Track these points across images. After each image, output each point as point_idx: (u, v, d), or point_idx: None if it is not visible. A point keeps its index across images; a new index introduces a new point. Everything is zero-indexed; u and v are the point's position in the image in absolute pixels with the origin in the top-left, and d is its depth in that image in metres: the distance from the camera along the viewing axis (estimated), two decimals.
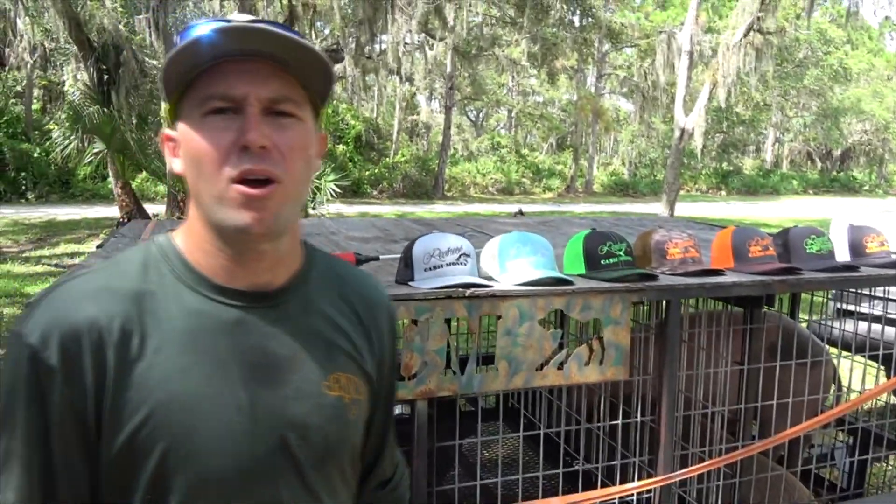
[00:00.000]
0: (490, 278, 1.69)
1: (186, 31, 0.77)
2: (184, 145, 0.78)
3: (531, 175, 29.01)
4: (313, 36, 14.02)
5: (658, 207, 17.39)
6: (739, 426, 1.98)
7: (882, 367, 3.23)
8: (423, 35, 15.62)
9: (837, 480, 2.83)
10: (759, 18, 13.56)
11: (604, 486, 1.97)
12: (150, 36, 12.32)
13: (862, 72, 34.05)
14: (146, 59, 12.31)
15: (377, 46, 14.41)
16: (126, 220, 10.90)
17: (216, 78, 0.75)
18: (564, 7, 18.11)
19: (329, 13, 12.35)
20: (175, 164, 0.81)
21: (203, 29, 0.75)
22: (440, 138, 25.40)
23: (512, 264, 1.70)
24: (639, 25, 21.43)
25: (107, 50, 11.40)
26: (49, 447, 0.73)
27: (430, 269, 1.60)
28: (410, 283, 1.59)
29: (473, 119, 37.49)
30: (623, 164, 32.56)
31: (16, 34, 18.51)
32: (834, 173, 38.02)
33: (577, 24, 19.64)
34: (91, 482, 0.76)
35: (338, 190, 13.96)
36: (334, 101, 23.72)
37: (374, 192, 24.00)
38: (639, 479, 1.97)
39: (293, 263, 0.86)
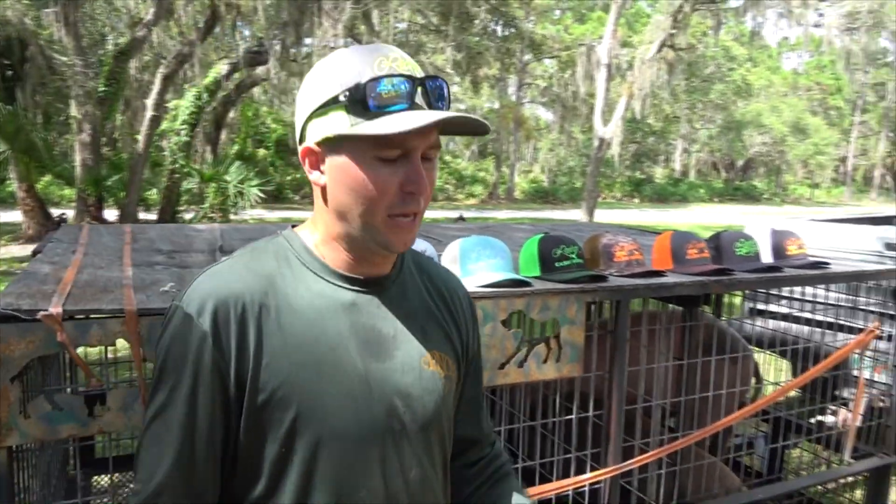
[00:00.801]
0: None
1: (374, 86, 0.84)
2: (345, 174, 0.87)
3: (454, 182, 29.34)
4: (235, 37, 13.69)
5: (577, 214, 17.99)
6: (680, 418, 2.11)
7: (789, 361, 3.50)
8: (349, 39, 15.53)
9: (757, 467, 3.05)
10: (671, 35, 14.30)
11: (545, 481, 2.05)
12: (60, 31, 11.68)
13: (762, 87, 36.45)
14: (55, 55, 11.65)
15: (303, 49, 14.21)
16: (57, 225, 10.29)
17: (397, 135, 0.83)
18: (488, 17, 18.44)
19: (252, 14, 12.10)
20: (316, 177, 0.91)
21: (395, 98, 0.84)
22: None
23: (474, 267, 1.76)
24: (559, 37, 22.10)
25: (11, 44, 10.73)
26: (196, 402, 0.85)
27: None
28: None
29: None
30: (543, 171, 33.43)
31: None
32: (737, 182, 40.41)
33: (500, 33, 20.04)
34: (226, 437, 0.87)
35: (262, 195, 13.69)
36: (255, 105, 23.21)
37: (297, 198, 23.62)
38: (581, 473, 2.07)
39: (395, 257, 0.99)
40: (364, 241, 0.90)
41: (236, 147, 21.60)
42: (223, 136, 18.13)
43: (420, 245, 1.69)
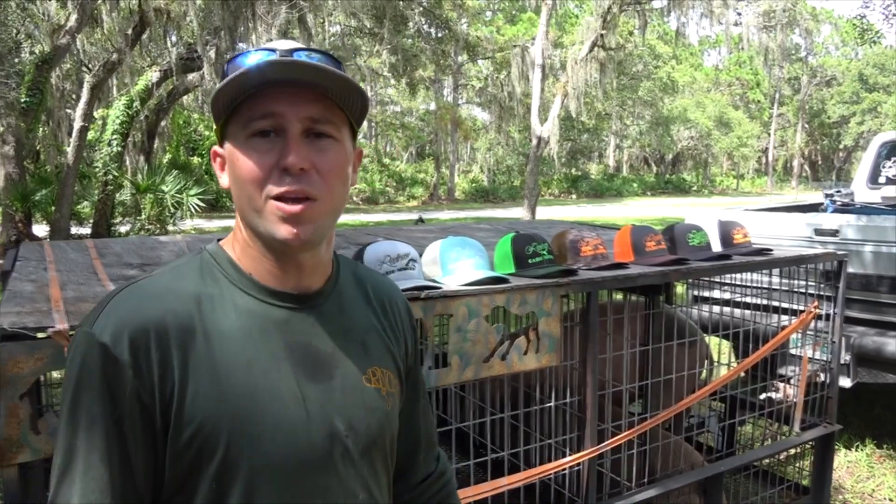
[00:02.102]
0: (434, 281, 1.82)
1: (235, 61, 0.84)
2: (230, 164, 0.84)
3: (394, 184, 29.35)
4: (168, 44, 13.34)
5: (519, 212, 18.30)
6: (647, 401, 2.25)
7: (731, 343, 3.72)
8: None
9: (711, 443, 3.24)
10: (601, 35, 14.75)
11: (515, 471, 2.15)
12: None
13: (686, 84, 37.90)
14: None
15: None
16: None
17: (260, 101, 0.80)
18: (422, 19, 18.56)
19: (183, 20, 11.82)
20: (223, 180, 0.88)
21: (252, 59, 0.82)
22: None
23: (454, 266, 1.83)
24: (493, 39, 22.44)
25: None
26: (123, 438, 0.76)
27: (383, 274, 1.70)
28: None
29: None
30: (482, 171, 33.81)
31: None
32: (667, 176, 41.89)
33: (434, 35, 20.20)
34: (155, 473, 0.79)
35: (201, 205, 13.38)
36: (185, 112, 22.63)
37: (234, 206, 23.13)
38: (555, 459, 2.18)
39: (328, 268, 0.93)
40: (264, 238, 0.84)
41: (169, 156, 21.00)
42: (156, 145, 17.59)
43: (405, 248, 1.76)
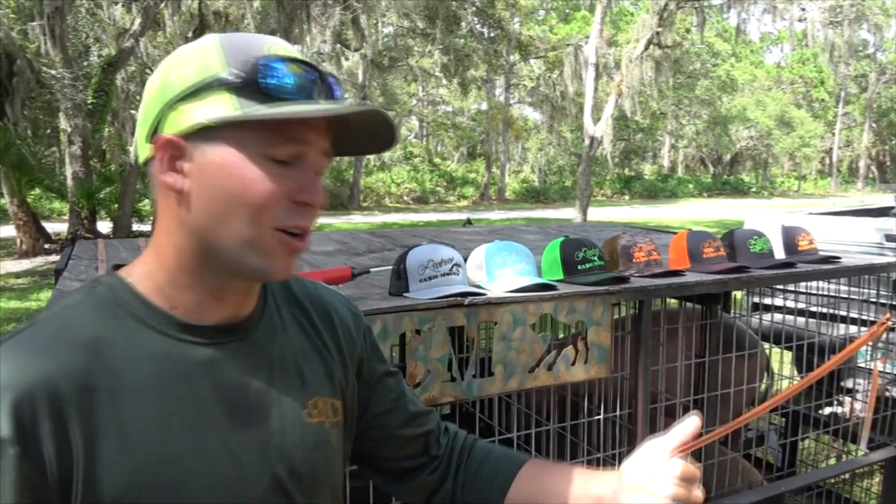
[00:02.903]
0: (479, 287, 1.76)
1: (273, 68, 0.69)
2: (221, 176, 0.68)
3: (445, 184, 29.38)
4: None
5: (570, 213, 18.07)
6: (703, 415, 2.13)
7: (794, 354, 3.54)
8: (338, 45, 15.54)
9: (772, 461, 3.08)
10: (657, 33, 14.41)
11: None
12: (46, 44, 11.61)
13: (746, 82, 36.77)
14: (42, 68, 11.59)
15: None
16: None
17: (292, 126, 0.69)
18: (474, 19, 18.52)
19: (241, 23, 12.08)
20: (174, 180, 0.70)
21: (289, 72, 0.69)
22: None
23: (500, 272, 1.77)
24: (545, 38, 22.22)
25: None
26: None
27: (426, 279, 1.65)
28: (406, 294, 1.64)
29: None
30: (533, 171, 33.54)
31: None
32: (725, 177, 40.72)
33: (486, 35, 20.13)
34: None
35: None
36: None
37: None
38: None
39: (257, 291, 0.81)
40: (238, 266, 0.71)
41: None
42: None
43: (449, 252, 1.71)
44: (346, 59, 15.74)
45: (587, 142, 14.79)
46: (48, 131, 15.06)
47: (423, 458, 0.96)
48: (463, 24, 18.02)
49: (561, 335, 1.89)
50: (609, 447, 2.09)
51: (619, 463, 1.97)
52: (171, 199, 0.71)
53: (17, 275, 10.01)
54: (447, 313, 1.58)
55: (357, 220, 19.40)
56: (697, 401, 2.31)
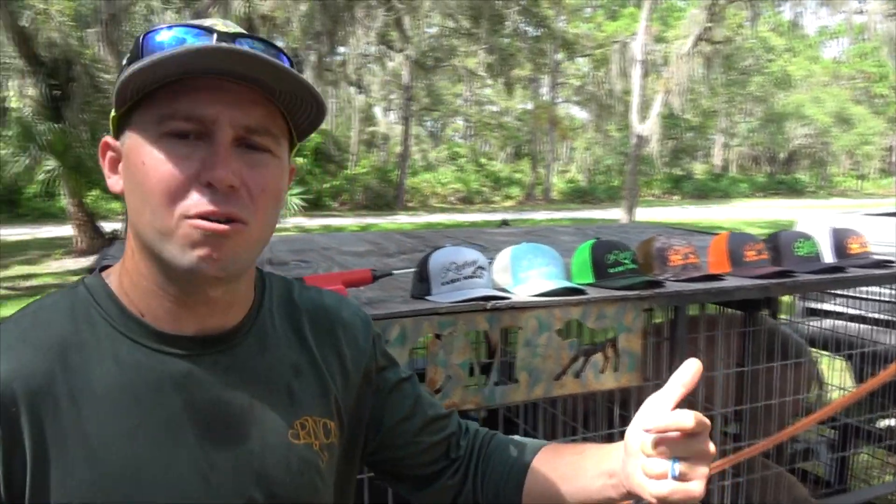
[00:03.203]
0: (504, 290, 1.71)
1: (152, 38, 0.65)
2: (130, 165, 0.65)
3: (490, 184, 29.27)
4: None
5: (617, 213, 17.76)
6: (744, 427, 2.04)
7: (847, 362, 3.36)
8: (382, 46, 15.64)
9: (822, 475, 2.93)
10: (707, 28, 14.02)
11: None
12: (102, 50, 12.02)
13: (802, 78, 35.54)
14: (99, 73, 11.99)
15: (336, 58, 14.37)
16: (111, 240, 10.59)
17: (184, 93, 0.63)
18: (519, 18, 18.38)
19: (286, 26, 12.26)
20: (113, 182, 0.68)
21: (173, 36, 0.64)
22: (399, 149, 25.44)
23: (525, 275, 1.72)
24: (591, 35, 21.91)
25: (58, 65, 11.08)
26: None
27: (448, 282, 1.61)
28: (428, 297, 1.60)
29: (431, 129, 37.64)
30: (580, 171, 33.13)
31: None
32: (780, 176, 39.42)
33: (531, 34, 19.96)
34: None
35: (303, 204, 13.85)
36: None
37: (335, 205, 23.85)
38: None
39: (247, 299, 0.76)
40: (166, 265, 0.65)
41: None
42: None
43: (472, 255, 1.66)
44: (391, 59, 15.82)
45: (634, 141, 14.50)
46: (105, 134, 15.59)
47: (443, 462, 0.91)
48: (507, 23, 17.90)
49: (594, 341, 1.82)
50: None
51: None
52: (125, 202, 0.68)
53: (75, 272, 10.39)
54: (468, 318, 1.53)
55: (402, 220, 19.48)
56: (739, 411, 2.21)
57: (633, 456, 0.71)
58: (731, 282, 1.89)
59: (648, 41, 14.75)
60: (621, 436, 0.76)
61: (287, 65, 0.67)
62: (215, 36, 0.64)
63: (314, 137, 24.59)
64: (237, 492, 0.69)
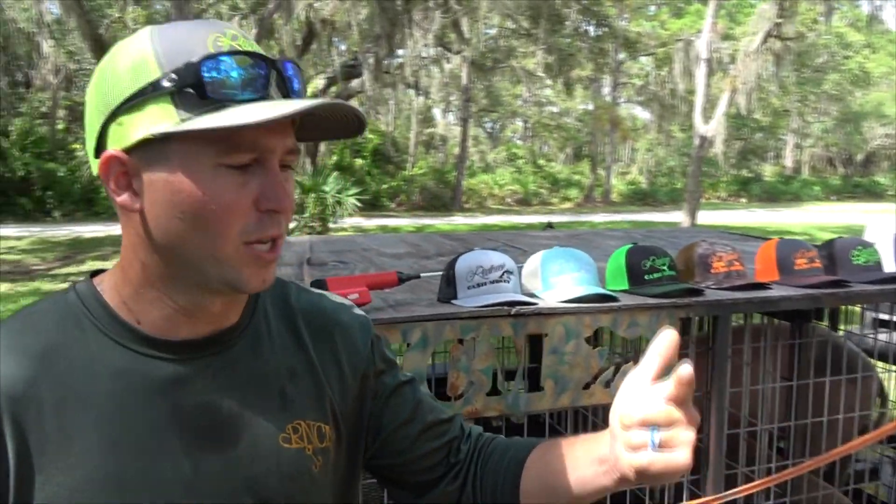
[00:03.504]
0: (533, 295, 1.67)
1: (210, 67, 0.62)
2: (175, 191, 0.63)
3: (549, 185, 28.99)
4: (332, 52, 14.15)
5: (678, 216, 17.28)
6: (789, 444, 1.93)
7: None
8: (440, 48, 15.69)
9: (883, 497, 2.75)
10: (777, 24, 13.48)
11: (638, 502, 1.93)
12: None
13: (882, 75, 33.70)
14: None
15: (394, 61, 14.52)
16: None
17: (246, 128, 0.62)
18: (579, 17, 18.13)
19: (347, 30, 12.46)
20: (126, 199, 0.65)
21: (233, 67, 0.62)
22: (457, 150, 25.49)
23: (555, 280, 1.67)
24: (655, 34, 21.39)
25: None
26: None
27: (474, 286, 1.58)
28: (453, 301, 1.57)
29: (489, 130, 37.56)
30: (641, 172, 32.41)
31: (41, 56, 18.90)
32: (856, 178, 37.51)
33: (592, 33, 19.65)
34: None
35: (359, 204, 14.06)
36: None
37: (392, 205, 24.10)
38: (685, 498, 1.93)
39: (242, 302, 0.76)
40: (206, 282, 0.67)
41: (335, 158, 22.34)
42: (322, 147, 18.79)
43: (500, 258, 1.63)
44: (448, 61, 15.88)
45: (697, 141, 14.06)
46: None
47: (443, 468, 0.89)
48: (567, 22, 17.68)
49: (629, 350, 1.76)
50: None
51: (704, 489, 1.82)
52: (130, 217, 0.67)
53: None
54: (492, 323, 1.50)
55: (458, 221, 19.51)
56: (788, 428, 2.10)
57: (618, 437, 0.68)
58: (776, 291, 1.79)
59: (714, 39, 14.28)
60: None
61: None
62: (267, 64, 0.64)
63: (373, 139, 24.93)
64: (226, 499, 0.69)
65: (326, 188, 13.58)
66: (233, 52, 0.63)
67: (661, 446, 0.64)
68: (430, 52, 15.50)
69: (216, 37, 0.64)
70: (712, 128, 13.83)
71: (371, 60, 12.24)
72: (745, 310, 1.76)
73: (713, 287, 1.83)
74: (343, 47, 17.17)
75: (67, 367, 0.66)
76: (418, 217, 21.08)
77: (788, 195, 32.67)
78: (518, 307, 1.51)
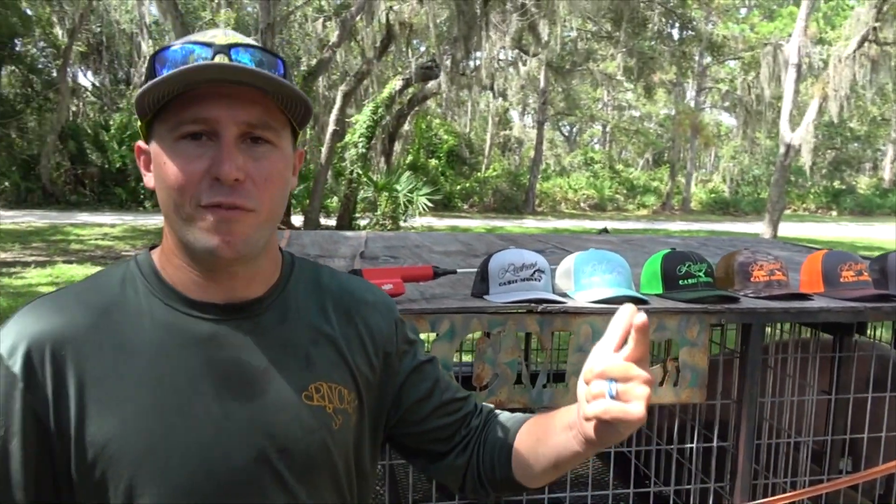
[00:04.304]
0: (565, 295, 1.72)
1: (163, 54, 0.76)
2: (156, 166, 0.77)
3: (625, 191, 28.41)
4: (409, 54, 14.41)
5: (761, 227, 16.59)
6: (825, 458, 1.89)
7: None
8: (517, 51, 15.69)
9: None
10: (875, 28, 12.74)
11: None
12: None
13: None
14: None
15: (471, 63, 14.63)
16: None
17: (192, 101, 0.73)
18: (663, 20, 17.70)
19: (424, 31, 12.66)
20: (148, 179, 0.81)
21: (179, 52, 0.75)
22: (532, 153, 25.36)
23: (587, 282, 1.71)
24: (742, 37, 20.61)
25: None
26: (6, 453, 0.73)
27: (505, 283, 1.64)
28: (486, 296, 1.64)
29: (567, 134, 37.13)
30: (724, 181, 31.25)
31: (139, 56, 20.12)
32: None
33: (675, 36, 19.13)
34: (58, 493, 0.76)
35: (429, 204, 14.26)
36: (427, 117, 24.24)
37: (465, 206, 24.23)
38: None
39: (271, 276, 0.86)
40: (191, 248, 0.77)
41: (410, 158, 22.68)
42: (397, 147, 19.14)
43: (532, 257, 1.69)
44: (524, 64, 15.85)
45: (782, 149, 13.46)
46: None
47: (454, 441, 0.97)
48: (650, 25, 17.29)
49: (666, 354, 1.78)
50: (719, 478, 1.93)
51: (731, 497, 1.82)
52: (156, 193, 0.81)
53: None
54: (518, 318, 1.56)
55: (529, 224, 19.44)
56: (850, 445, 2.06)
57: (581, 396, 0.75)
58: (815, 302, 1.77)
59: (805, 43, 13.65)
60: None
61: (281, 72, 0.78)
62: (212, 49, 0.74)
63: (448, 140, 25.14)
64: (248, 442, 0.78)
65: (398, 187, 13.84)
66: (184, 43, 0.75)
67: (617, 398, 0.70)
68: (507, 54, 15.53)
69: (191, 37, 0.77)
70: (799, 136, 13.22)
71: (447, 62, 12.39)
72: (779, 319, 1.75)
73: (751, 296, 1.82)
74: (423, 49, 17.45)
75: (123, 320, 0.78)
76: (490, 219, 21.12)
77: (885, 209, 30.70)
78: (544, 305, 1.57)
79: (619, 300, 1.66)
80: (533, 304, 1.56)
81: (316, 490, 0.83)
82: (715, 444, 1.85)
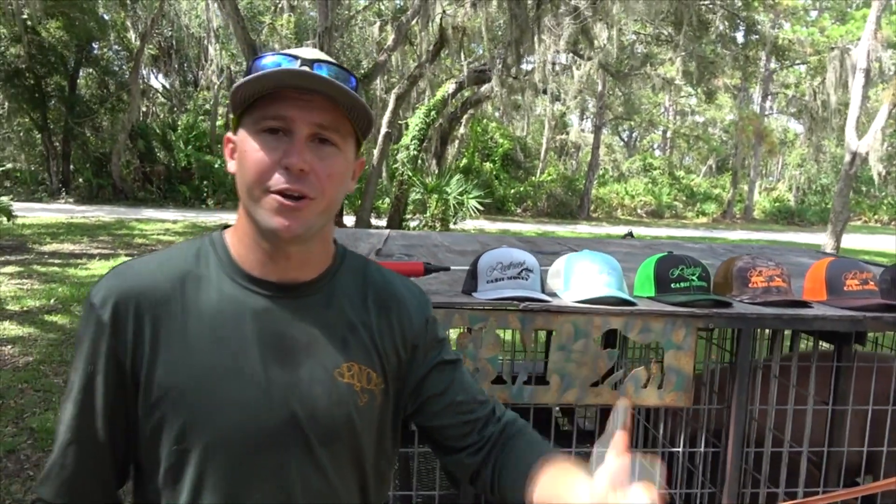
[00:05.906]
0: (554, 294, 1.74)
1: (258, 62, 0.90)
2: (239, 153, 0.91)
3: (684, 198, 27.76)
4: (462, 57, 14.49)
5: (824, 238, 15.95)
6: (822, 470, 1.85)
7: None
8: (572, 55, 15.56)
9: None
10: None
11: None
12: None
13: None
14: None
15: (525, 66, 14.61)
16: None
17: (275, 102, 0.87)
18: (726, 23, 17.23)
19: (477, 36, 12.72)
20: (230, 165, 0.95)
21: (271, 62, 0.89)
22: (589, 158, 25.07)
23: (576, 281, 1.74)
24: (810, 41, 19.85)
25: None
26: (92, 388, 0.89)
27: (492, 281, 1.68)
28: (473, 293, 1.69)
29: (626, 139, 36.54)
30: (790, 189, 30.14)
31: (207, 59, 20.91)
32: None
33: (739, 40, 18.59)
34: (128, 423, 0.90)
35: (480, 207, 14.29)
36: (484, 120, 24.26)
37: (518, 211, 24.16)
38: None
39: (322, 263, 0.97)
40: (258, 226, 0.89)
41: (464, 161, 22.76)
42: (450, 150, 19.24)
43: (521, 256, 1.72)
44: (578, 68, 15.70)
45: (847, 157, 12.91)
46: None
47: (466, 441, 1.04)
48: (711, 28, 16.85)
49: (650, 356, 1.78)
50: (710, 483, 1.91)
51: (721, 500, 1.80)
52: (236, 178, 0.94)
53: None
54: (500, 315, 1.60)
55: (582, 229, 19.24)
56: (869, 460, 2.00)
57: None
58: (811, 310, 1.74)
59: (875, 47, 13.05)
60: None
61: (353, 85, 0.90)
62: (299, 61, 0.88)
63: (503, 143, 25.11)
64: (284, 405, 0.90)
65: (448, 189, 13.94)
66: (276, 53, 0.90)
67: None
68: (560, 58, 15.43)
69: (284, 52, 0.91)
70: (866, 143, 12.64)
71: (499, 65, 12.42)
72: (771, 326, 1.73)
73: (747, 301, 1.80)
74: (480, 51, 17.51)
75: (194, 287, 0.92)
76: (543, 223, 20.99)
77: None
78: (526, 303, 1.60)
79: (606, 300, 1.68)
80: (514, 302, 1.60)
81: (337, 460, 0.94)
82: (701, 449, 1.84)
